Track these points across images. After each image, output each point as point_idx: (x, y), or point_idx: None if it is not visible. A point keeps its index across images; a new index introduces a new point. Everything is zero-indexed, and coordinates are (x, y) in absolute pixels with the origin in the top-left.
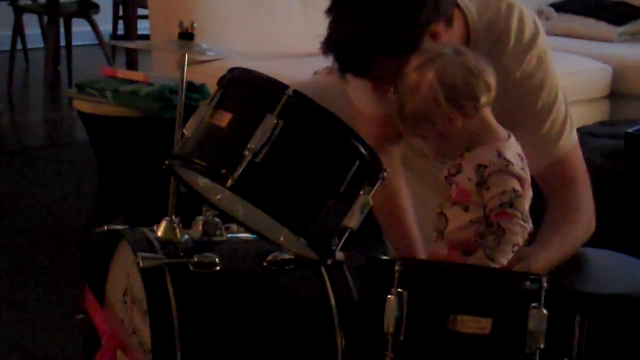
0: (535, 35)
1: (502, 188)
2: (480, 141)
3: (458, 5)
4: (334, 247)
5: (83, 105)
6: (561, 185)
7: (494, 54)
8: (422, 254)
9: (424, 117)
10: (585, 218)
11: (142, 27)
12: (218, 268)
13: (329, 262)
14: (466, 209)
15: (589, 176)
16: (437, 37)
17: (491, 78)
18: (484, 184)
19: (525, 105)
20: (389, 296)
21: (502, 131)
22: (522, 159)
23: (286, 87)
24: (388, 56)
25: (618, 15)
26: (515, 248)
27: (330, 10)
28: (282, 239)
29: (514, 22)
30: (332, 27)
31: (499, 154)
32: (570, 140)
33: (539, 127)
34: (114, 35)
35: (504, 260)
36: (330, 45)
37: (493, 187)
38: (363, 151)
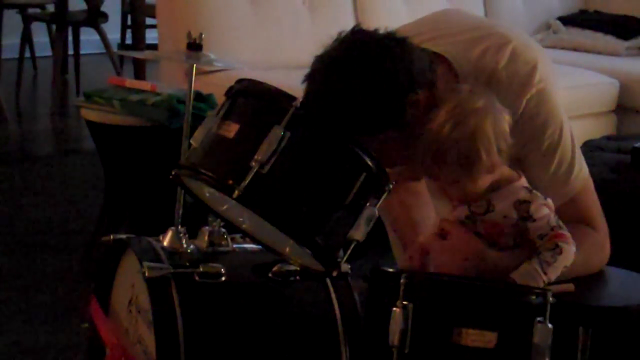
0: (531, 73)
1: (547, 217)
2: (502, 181)
3: (440, 55)
4: (339, 259)
5: (91, 114)
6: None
7: None
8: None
9: (467, 164)
10: (582, 256)
11: (150, 36)
12: (224, 278)
13: (335, 273)
14: (493, 244)
15: (604, 217)
16: (418, 105)
17: (508, 116)
18: (529, 217)
19: (529, 147)
20: (394, 308)
21: (511, 170)
22: None
23: (293, 98)
24: (370, 135)
25: (625, 30)
26: (565, 269)
27: (306, 94)
28: (287, 250)
29: (503, 62)
30: (309, 100)
31: (529, 190)
32: (579, 180)
33: (546, 168)
34: (122, 45)
35: (553, 277)
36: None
37: (539, 218)
38: (369, 163)
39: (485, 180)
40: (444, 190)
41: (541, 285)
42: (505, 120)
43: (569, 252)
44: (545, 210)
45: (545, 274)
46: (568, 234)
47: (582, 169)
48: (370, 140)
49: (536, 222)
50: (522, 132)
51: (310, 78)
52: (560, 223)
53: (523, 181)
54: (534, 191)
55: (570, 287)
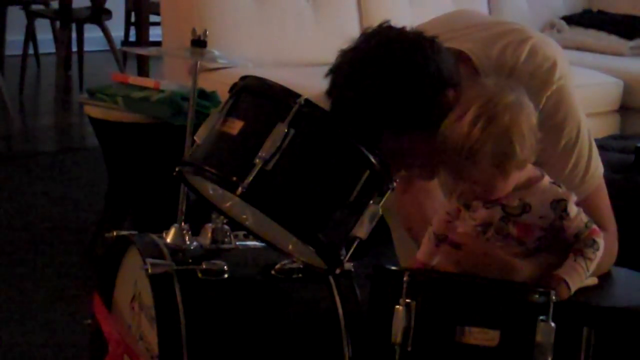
0: (551, 69)
1: (580, 214)
2: (529, 179)
3: (461, 53)
4: (342, 257)
5: (94, 110)
6: None
7: None
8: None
9: (502, 162)
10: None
11: (154, 33)
12: (226, 275)
13: (338, 271)
14: (521, 244)
15: (614, 219)
16: (445, 105)
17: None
18: (565, 216)
19: (547, 145)
20: (397, 306)
21: (533, 167)
22: None
23: (298, 95)
24: (397, 134)
25: (629, 29)
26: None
27: (331, 87)
28: (290, 247)
29: (523, 58)
30: (334, 94)
31: (559, 185)
32: (595, 179)
33: (563, 167)
34: (126, 42)
35: (592, 272)
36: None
37: (574, 215)
38: (373, 161)
39: (515, 178)
40: (465, 191)
41: (584, 279)
42: (534, 114)
43: (602, 247)
44: (576, 207)
45: (588, 270)
46: (598, 228)
47: (597, 167)
48: (393, 140)
49: (572, 222)
50: (540, 129)
51: (336, 71)
52: (589, 217)
53: (548, 178)
54: (562, 186)
55: (594, 280)
